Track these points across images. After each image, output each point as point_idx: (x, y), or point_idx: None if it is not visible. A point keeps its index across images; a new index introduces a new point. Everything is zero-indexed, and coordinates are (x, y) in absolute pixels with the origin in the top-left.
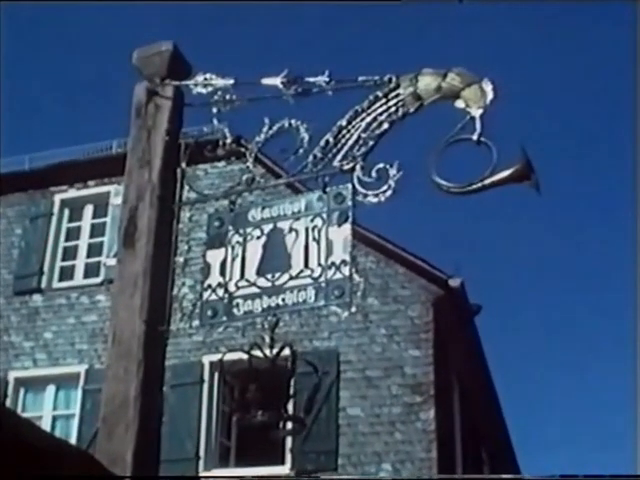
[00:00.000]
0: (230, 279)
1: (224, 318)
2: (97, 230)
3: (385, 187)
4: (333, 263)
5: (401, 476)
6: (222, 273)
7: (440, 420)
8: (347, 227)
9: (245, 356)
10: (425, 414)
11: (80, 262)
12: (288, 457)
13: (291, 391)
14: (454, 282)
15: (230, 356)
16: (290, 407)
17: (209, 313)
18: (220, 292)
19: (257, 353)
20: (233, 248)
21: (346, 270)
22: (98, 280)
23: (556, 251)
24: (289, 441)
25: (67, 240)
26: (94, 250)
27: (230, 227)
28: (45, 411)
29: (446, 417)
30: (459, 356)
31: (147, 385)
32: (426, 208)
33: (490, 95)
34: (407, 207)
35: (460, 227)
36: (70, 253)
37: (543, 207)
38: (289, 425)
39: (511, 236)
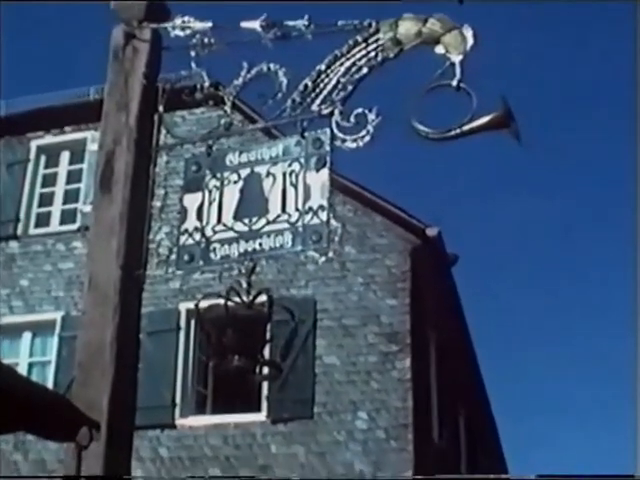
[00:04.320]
0: (207, 223)
1: (201, 263)
2: (73, 176)
3: (363, 132)
4: (310, 208)
5: (377, 424)
6: (199, 217)
7: (416, 369)
8: (325, 172)
9: (222, 303)
10: (401, 363)
11: (56, 209)
12: (264, 405)
13: (267, 337)
14: (431, 231)
15: (207, 302)
16: (266, 353)
17: (186, 258)
18: (197, 236)
19: (234, 299)
20: (210, 192)
21: (323, 215)
22: (74, 227)
23: (536, 203)
24: (265, 389)
25: (43, 186)
26: (70, 197)
27: (207, 171)
28: (21, 358)
29: (422, 366)
30: (436, 306)
31: (123, 331)
32: (404, 157)
33: (470, 41)
34: (385, 155)
35: (438, 177)
36: (46, 200)
37: (523, 159)
38: (265, 370)
39: (490, 188)
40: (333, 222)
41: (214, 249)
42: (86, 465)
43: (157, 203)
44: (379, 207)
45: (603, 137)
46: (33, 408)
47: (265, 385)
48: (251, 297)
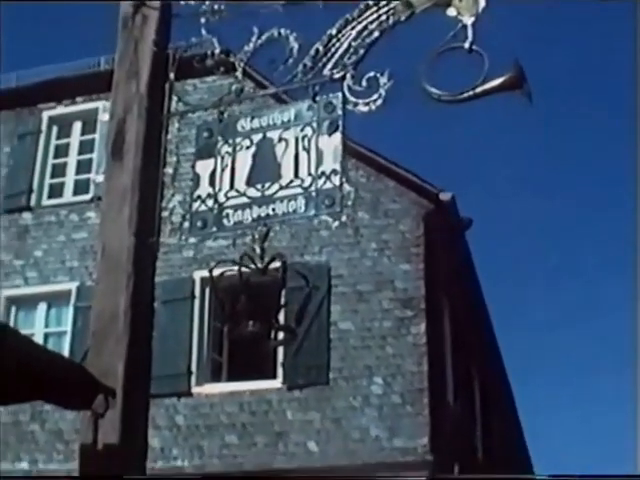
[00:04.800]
0: (220, 190)
1: (214, 229)
2: (86, 147)
3: (376, 96)
4: (323, 173)
5: (392, 389)
6: (211, 184)
7: (431, 334)
8: (337, 136)
9: (236, 270)
10: (416, 328)
11: (69, 179)
12: (280, 371)
13: (282, 302)
14: (445, 196)
15: (221, 270)
16: (281, 319)
17: (199, 224)
18: (210, 203)
19: (248, 265)
20: (222, 158)
21: (336, 180)
22: (87, 197)
23: (549, 166)
24: (280, 355)
25: (56, 157)
26: (83, 167)
27: (219, 137)
28: (37, 329)
29: (437, 331)
30: (450, 271)
31: (137, 298)
32: (416, 121)
33: (482, 3)
34: (397, 120)
35: (451, 140)
36: (59, 170)
37: (536, 121)
38: (280, 335)
39: (503, 151)
40: (346, 186)
41: (227, 215)
42: (102, 433)
43: (169, 170)
44: (392, 172)
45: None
46: (49, 377)
47: (280, 352)
48: (265, 263)
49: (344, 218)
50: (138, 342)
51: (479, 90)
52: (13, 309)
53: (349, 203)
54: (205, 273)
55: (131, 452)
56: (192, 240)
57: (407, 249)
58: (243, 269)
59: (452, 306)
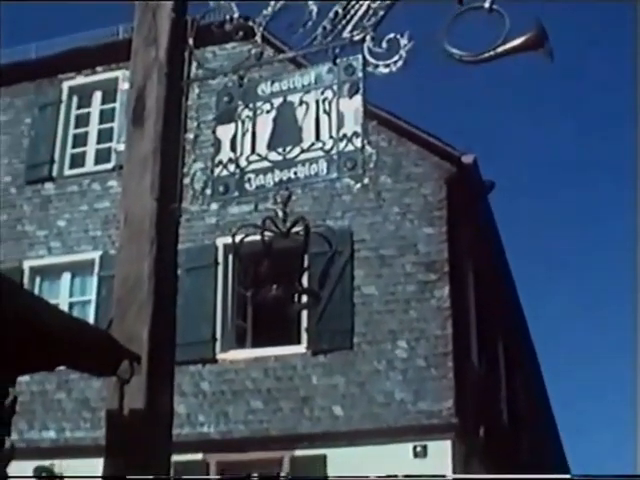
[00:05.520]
0: (241, 154)
1: (236, 193)
2: (106, 116)
3: (396, 57)
4: (345, 135)
5: (416, 353)
6: (233, 148)
7: (454, 297)
8: (358, 99)
9: (258, 236)
10: (439, 291)
11: (91, 149)
12: (304, 337)
13: (305, 265)
14: (467, 159)
15: (243, 234)
16: (304, 282)
17: (221, 189)
18: (231, 167)
19: (271, 229)
20: (243, 123)
21: (358, 142)
22: (109, 166)
23: (570, 131)
24: (304, 321)
25: (77, 127)
26: (104, 136)
27: (239, 102)
28: (61, 299)
29: (460, 294)
30: (473, 234)
31: (160, 264)
32: (438, 82)
33: None
34: (418, 81)
35: (473, 102)
36: (80, 140)
37: (558, 85)
38: (304, 299)
39: (525, 113)
40: (368, 148)
41: (249, 179)
42: (128, 399)
43: (190, 136)
44: (414, 136)
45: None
46: (74, 343)
47: (304, 317)
48: (287, 226)
49: (366, 180)
50: (162, 308)
51: (500, 50)
52: (37, 279)
53: (371, 165)
54: (228, 240)
55: (157, 418)
56: (214, 207)
57: (430, 212)
58: (266, 233)
59: (476, 269)
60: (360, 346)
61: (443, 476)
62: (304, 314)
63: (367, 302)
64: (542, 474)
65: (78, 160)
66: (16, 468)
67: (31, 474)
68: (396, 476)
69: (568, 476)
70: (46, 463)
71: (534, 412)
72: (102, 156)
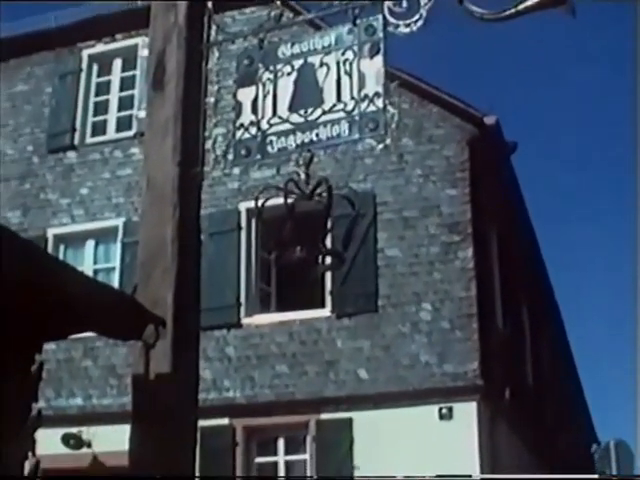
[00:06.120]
0: (262, 117)
1: (258, 156)
2: (127, 83)
3: (416, 17)
4: (366, 96)
5: (441, 315)
6: (254, 111)
7: (478, 258)
8: (379, 59)
9: (281, 199)
10: (463, 253)
11: (112, 116)
12: (328, 300)
13: (328, 227)
14: (489, 120)
15: (266, 199)
16: (328, 243)
17: (243, 152)
18: (253, 130)
19: (294, 191)
20: (264, 85)
21: (379, 102)
22: (131, 133)
23: (593, 90)
24: (329, 284)
25: (97, 95)
26: (125, 104)
27: (260, 64)
28: (85, 266)
29: (484, 255)
30: (496, 195)
31: (183, 228)
32: (458, 42)
33: None
34: (439, 41)
35: (494, 62)
36: (101, 108)
37: (581, 44)
38: (328, 260)
39: (548, 73)
40: (390, 109)
41: (271, 142)
42: (154, 364)
43: (211, 100)
44: (435, 98)
45: None
46: (99, 308)
47: (328, 280)
48: (310, 188)
49: (388, 141)
50: (186, 272)
51: (521, 7)
52: (62, 247)
53: (393, 126)
54: (251, 204)
55: (183, 383)
56: (236, 172)
57: (452, 174)
58: (289, 196)
59: (499, 229)
60: (385, 309)
61: (469, 476)
62: (328, 277)
63: (391, 264)
64: (567, 435)
65: (99, 128)
66: (43, 435)
67: (59, 441)
68: (424, 477)
69: (596, 476)
70: (74, 430)
71: (559, 374)
72: (123, 123)
